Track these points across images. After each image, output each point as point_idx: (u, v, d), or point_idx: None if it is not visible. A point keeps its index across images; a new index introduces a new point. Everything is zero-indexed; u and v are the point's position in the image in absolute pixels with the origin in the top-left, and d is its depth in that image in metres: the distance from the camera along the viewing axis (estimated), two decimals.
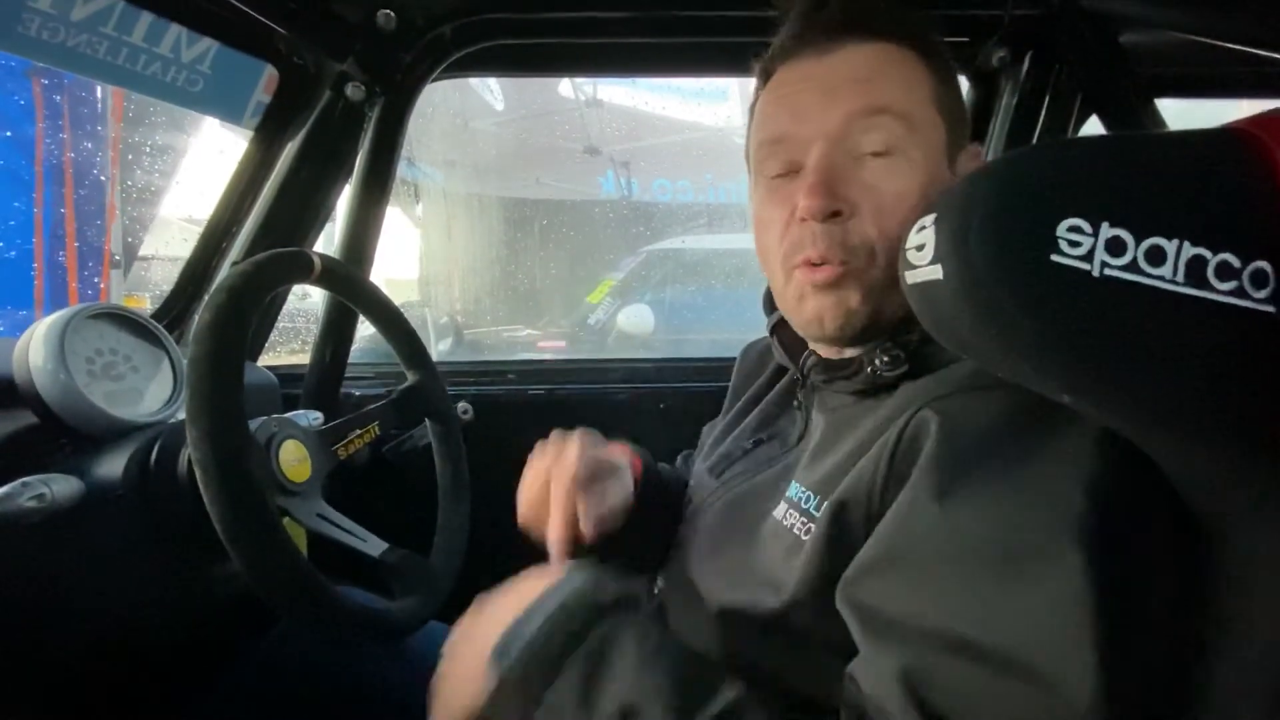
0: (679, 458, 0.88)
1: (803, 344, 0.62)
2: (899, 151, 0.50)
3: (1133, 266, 0.31)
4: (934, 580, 0.40)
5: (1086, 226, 0.31)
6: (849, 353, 0.56)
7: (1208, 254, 0.31)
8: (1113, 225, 0.31)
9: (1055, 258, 0.31)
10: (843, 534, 0.46)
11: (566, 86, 4.02)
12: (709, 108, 4.21)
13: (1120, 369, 0.32)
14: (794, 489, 0.53)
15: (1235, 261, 0.31)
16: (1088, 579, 0.34)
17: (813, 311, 0.53)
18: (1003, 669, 0.35)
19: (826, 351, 0.58)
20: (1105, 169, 0.33)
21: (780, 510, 0.54)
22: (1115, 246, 0.31)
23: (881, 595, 0.42)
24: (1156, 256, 0.31)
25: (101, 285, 2.54)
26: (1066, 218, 0.31)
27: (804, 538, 0.49)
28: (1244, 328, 0.31)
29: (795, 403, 0.63)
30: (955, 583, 0.39)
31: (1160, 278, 0.31)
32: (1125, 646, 0.34)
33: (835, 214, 0.50)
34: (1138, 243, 0.31)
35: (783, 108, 0.54)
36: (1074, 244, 0.31)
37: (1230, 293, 0.31)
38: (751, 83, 0.61)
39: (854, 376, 0.54)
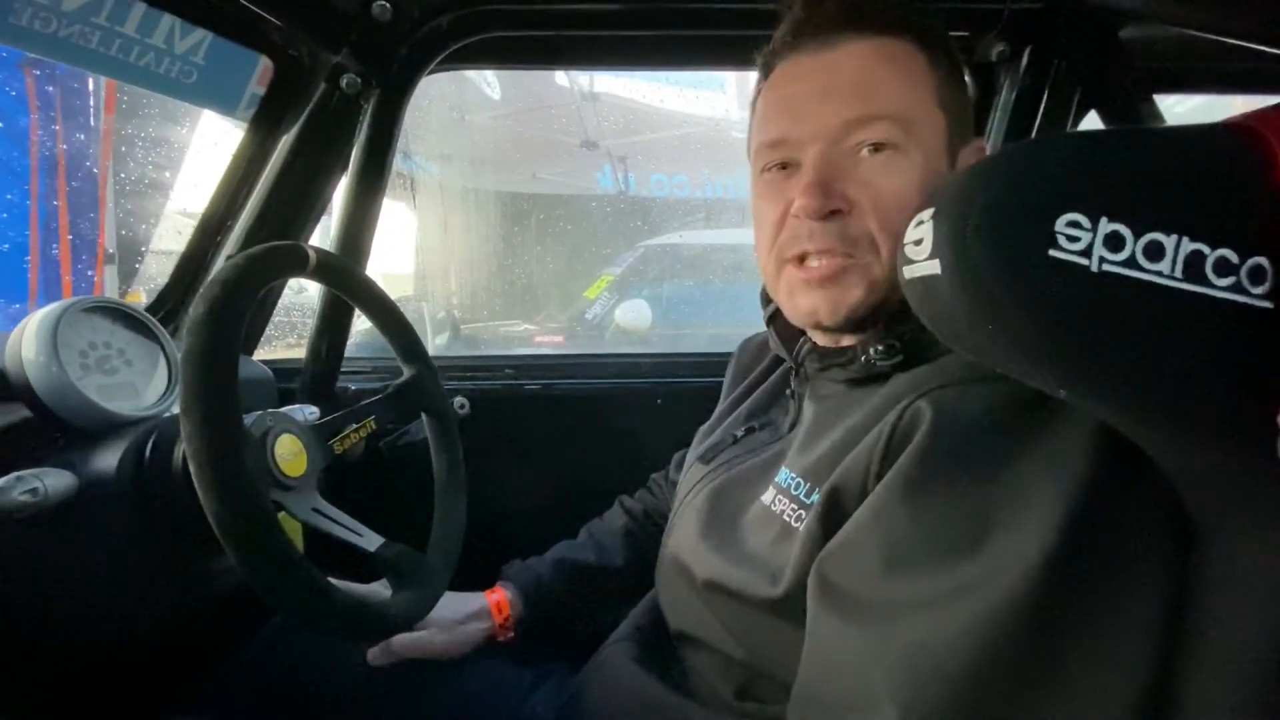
0: (674, 459, 0.88)
1: (798, 333, 0.62)
2: (898, 150, 0.50)
3: (1131, 262, 0.31)
4: (898, 565, 0.40)
5: (1085, 221, 0.31)
6: (845, 341, 0.56)
7: (1206, 249, 0.31)
8: (1111, 220, 0.31)
9: (1054, 252, 0.31)
10: (836, 521, 0.46)
11: (563, 79, 4.00)
12: (706, 102, 4.19)
13: (1117, 364, 0.32)
14: (783, 474, 0.54)
15: (1233, 257, 0.31)
16: (1044, 586, 0.35)
17: (806, 306, 0.53)
18: (948, 663, 0.36)
19: (822, 340, 0.59)
20: (1104, 164, 0.32)
21: (769, 496, 0.54)
22: (1114, 241, 0.31)
23: (849, 574, 0.42)
24: (1155, 252, 0.31)
25: (95, 279, 2.53)
26: (1065, 212, 0.31)
27: (795, 525, 0.50)
28: (1241, 324, 0.31)
29: (789, 391, 0.63)
30: (916, 570, 0.40)
31: (1158, 273, 0.31)
32: (1078, 650, 0.35)
33: (834, 212, 0.50)
34: (1136, 238, 0.31)
35: (781, 110, 0.54)
36: (1072, 239, 0.31)
37: (1228, 288, 0.31)
38: (750, 77, 0.61)
39: (848, 365, 0.54)
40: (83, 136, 2.48)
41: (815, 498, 0.49)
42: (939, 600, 0.37)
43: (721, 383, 0.81)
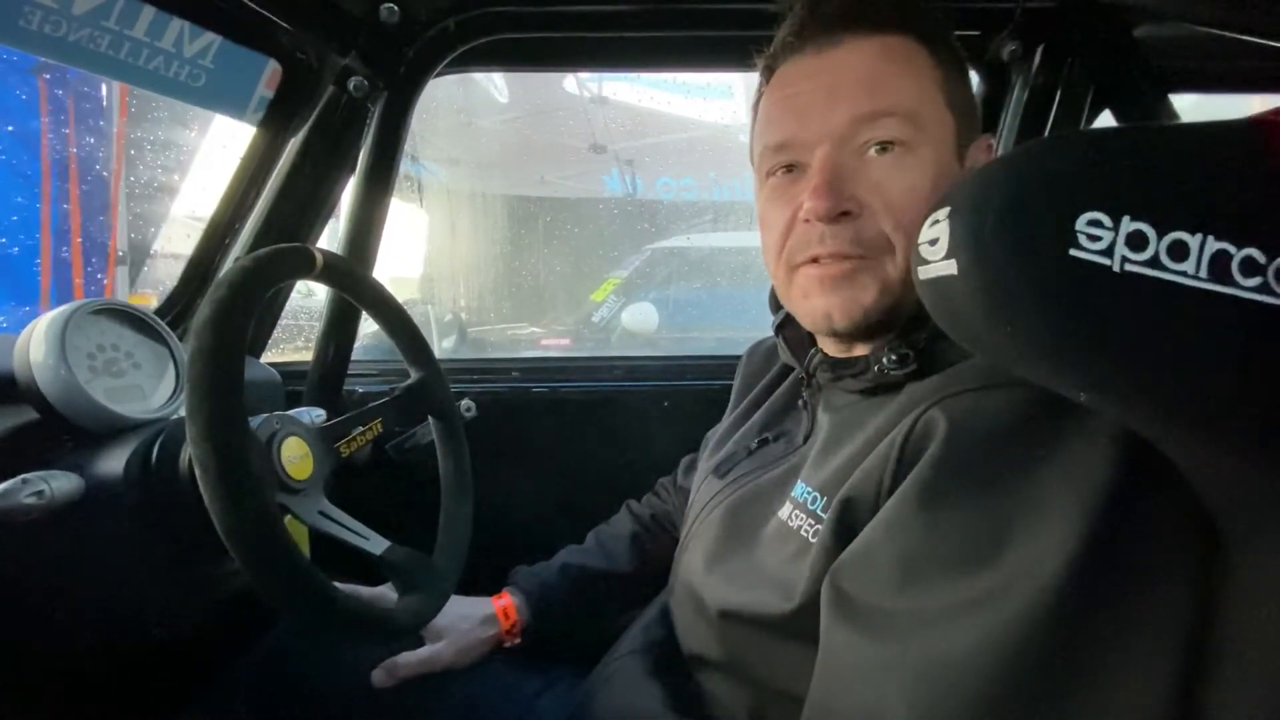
0: (681, 463, 0.88)
1: (808, 342, 0.61)
2: (906, 149, 0.49)
3: (1154, 262, 0.30)
4: (914, 576, 0.39)
5: (1107, 220, 0.30)
6: (856, 350, 0.55)
7: (1232, 249, 0.30)
8: (1134, 219, 0.30)
9: (1074, 252, 0.30)
10: (849, 532, 0.45)
11: (571, 83, 4.01)
12: (713, 105, 4.20)
13: (1141, 367, 0.31)
14: (800, 489, 0.53)
15: (1261, 257, 0.30)
16: (1064, 597, 0.34)
17: (820, 308, 0.52)
18: (966, 676, 0.35)
19: (833, 349, 0.58)
20: (1126, 161, 0.32)
21: (786, 511, 0.53)
22: (1136, 241, 0.30)
23: (864, 586, 0.42)
24: (1179, 251, 0.30)
25: (106, 281, 2.54)
26: (1086, 211, 0.30)
27: (811, 540, 0.49)
28: (1270, 325, 0.30)
29: (801, 402, 0.62)
30: (933, 581, 0.39)
31: (1182, 273, 0.30)
32: (1100, 662, 0.34)
33: (844, 214, 0.49)
34: (1159, 237, 0.30)
35: (786, 111, 0.53)
36: (1094, 238, 0.30)
37: (1255, 289, 0.30)
38: (756, 79, 0.60)
39: (861, 375, 0.53)
40: (94, 140, 2.50)
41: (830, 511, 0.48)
42: (956, 612, 0.36)
43: (729, 385, 0.80)
